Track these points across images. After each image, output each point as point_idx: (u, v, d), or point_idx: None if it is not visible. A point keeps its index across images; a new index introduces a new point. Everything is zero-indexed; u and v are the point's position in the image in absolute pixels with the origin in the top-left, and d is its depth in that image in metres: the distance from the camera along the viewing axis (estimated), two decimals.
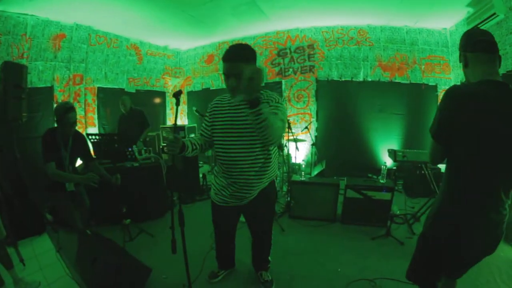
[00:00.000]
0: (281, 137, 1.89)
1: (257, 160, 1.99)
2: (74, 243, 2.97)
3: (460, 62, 1.55)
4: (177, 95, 1.73)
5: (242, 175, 2.01)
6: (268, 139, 1.70)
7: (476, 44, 1.43)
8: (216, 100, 2.08)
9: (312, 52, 6.38)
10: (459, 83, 1.76)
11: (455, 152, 1.40)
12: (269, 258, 2.68)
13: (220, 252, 2.67)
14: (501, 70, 3.82)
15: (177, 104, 1.73)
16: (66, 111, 2.82)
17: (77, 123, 3.12)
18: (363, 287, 2.61)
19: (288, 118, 4.95)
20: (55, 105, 5.01)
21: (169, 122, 8.15)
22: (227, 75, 1.81)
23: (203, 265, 2.89)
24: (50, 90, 5.05)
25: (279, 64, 6.73)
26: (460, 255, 1.51)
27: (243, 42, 1.98)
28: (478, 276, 2.67)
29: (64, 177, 2.87)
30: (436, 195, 1.59)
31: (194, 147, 1.99)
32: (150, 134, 5.97)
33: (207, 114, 2.08)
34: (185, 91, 8.34)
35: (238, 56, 1.77)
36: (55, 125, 2.97)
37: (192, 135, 4.40)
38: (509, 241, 3.26)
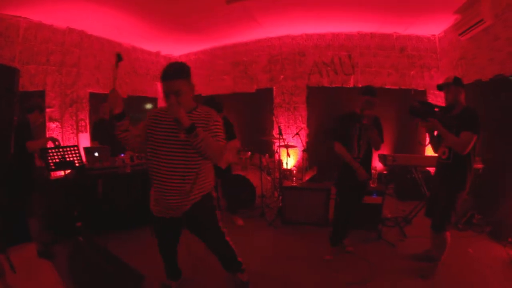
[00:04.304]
0: (222, 154, 2.04)
1: (190, 174, 2.02)
2: (67, 250, 2.93)
3: (456, 93, 2.63)
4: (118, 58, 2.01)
5: (175, 186, 2.01)
6: (209, 157, 1.94)
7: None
8: (156, 112, 2.12)
9: (303, 59, 6.47)
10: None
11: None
12: (239, 260, 2.45)
13: (165, 262, 2.54)
14: (489, 75, 4.00)
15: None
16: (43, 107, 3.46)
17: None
18: None
19: (279, 125, 4.97)
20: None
21: None
22: (167, 93, 1.88)
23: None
24: (41, 94, 5.00)
25: (270, 70, 6.79)
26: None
27: (179, 61, 2.13)
28: (472, 276, 2.74)
29: (36, 143, 3.23)
30: (457, 175, 2.56)
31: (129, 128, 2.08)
32: None
33: (147, 119, 2.12)
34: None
35: (175, 75, 1.89)
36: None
37: None
38: (500, 240, 3.33)
